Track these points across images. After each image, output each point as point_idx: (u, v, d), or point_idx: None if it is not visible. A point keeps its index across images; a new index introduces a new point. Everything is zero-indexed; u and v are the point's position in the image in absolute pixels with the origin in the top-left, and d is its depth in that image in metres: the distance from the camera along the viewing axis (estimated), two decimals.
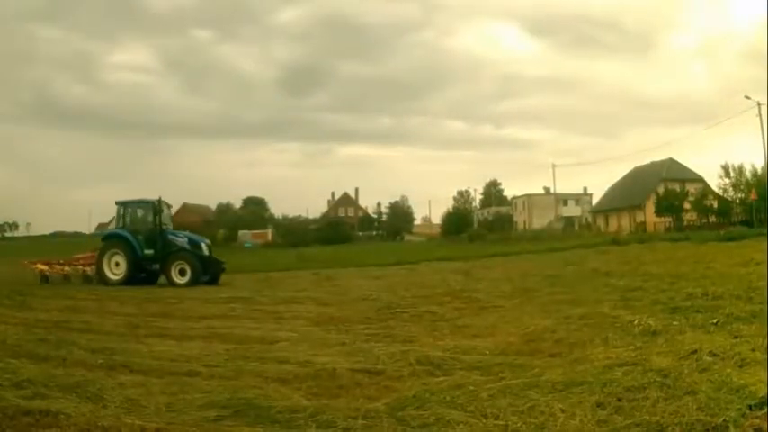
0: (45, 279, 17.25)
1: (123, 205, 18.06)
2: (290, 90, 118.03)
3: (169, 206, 18.84)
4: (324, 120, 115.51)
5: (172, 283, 16.10)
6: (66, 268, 17.99)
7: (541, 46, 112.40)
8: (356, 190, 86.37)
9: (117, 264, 16.99)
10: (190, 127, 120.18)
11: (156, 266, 17.06)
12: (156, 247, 17.07)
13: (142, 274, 17.25)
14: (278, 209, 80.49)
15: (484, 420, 3.58)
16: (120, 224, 17.96)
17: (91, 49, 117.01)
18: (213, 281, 16.85)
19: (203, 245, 17.48)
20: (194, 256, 16.73)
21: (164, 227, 17.52)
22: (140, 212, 17.88)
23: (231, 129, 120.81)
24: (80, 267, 18.01)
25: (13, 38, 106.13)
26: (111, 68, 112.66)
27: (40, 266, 17.82)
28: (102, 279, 16.77)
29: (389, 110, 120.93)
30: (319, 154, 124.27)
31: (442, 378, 4.58)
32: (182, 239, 17.37)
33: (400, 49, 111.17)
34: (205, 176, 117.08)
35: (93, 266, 17.50)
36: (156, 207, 17.56)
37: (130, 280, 16.54)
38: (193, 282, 16.07)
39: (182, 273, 16.35)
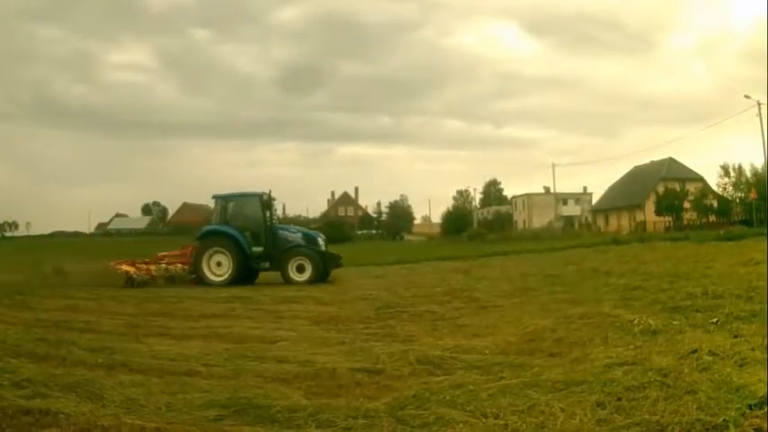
0: (131, 281, 15.10)
1: (224, 199, 16.60)
2: (290, 90, 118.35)
3: (274, 199, 17.26)
4: (323, 119, 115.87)
5: (288, 281, 15.09)
6: (152, 268, 16.26)
7: (541, 45, 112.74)
8: (356, 189, 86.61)
9: (219, 263, 15.64)
10: (189, 127, 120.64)
11: (266, 265, 15.88)
12: (265, 244, 15.83)
13: (247, 273, 15.95)
14: (279, 208, 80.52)
15: (484, 420, 3.58)
16: (220, 220, 16.45)
17: (90, 48, 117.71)
18: (326, 276, 15.74)
19: (320, 239, 16.46)
20: (313, 252, 15.75)
21: (273, 222, 16.44)
22: (245, 207, 16.52)
23: (231, 128, 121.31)
24: (171, 267, 16.46)
25: (12, 37, 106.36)
26: (110, 68, 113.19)
27: (125, 267, 16.00)
28: (202, 280, 15.36)
29: (389, 109, 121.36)
30: (319, 153, 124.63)
31: (441, 377, 4.58)
32: (294, 234, 16.40)
33: (399, 48, 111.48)
34: (205, 176, 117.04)
35: (178, 266, 16.31)
36: (265, 201, 16.29)
37: (236, 280, 15.22)
38: (315, 279, 15.06)
39: (300, 270, 15.34)
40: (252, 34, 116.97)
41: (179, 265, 16.51)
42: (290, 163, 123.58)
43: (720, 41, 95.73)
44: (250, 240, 15.82)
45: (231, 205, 16.56)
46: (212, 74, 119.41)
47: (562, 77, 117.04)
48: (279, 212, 18.38)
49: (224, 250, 15.65)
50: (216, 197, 16.74)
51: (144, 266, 16.29)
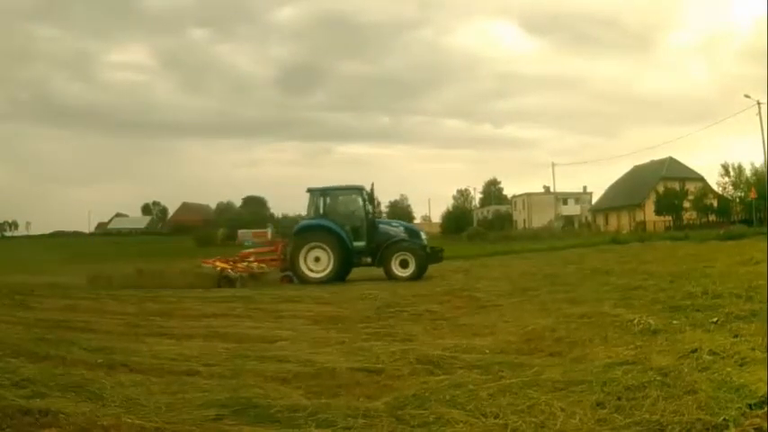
0: (227, 281, 14.48)
1: (321, 193, 15.95)
2: (289, 89, 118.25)
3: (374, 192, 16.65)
4: (322, 119, 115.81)
5: (392, 277, 14.63)
6: (240, 266, 15.61)
7: (540, 44, 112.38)
8: None
9: (317, 259, 15.07)
10: (189, 126, 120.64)
11: (368, 260, 15.38)
12: (367, 239, 15.31)
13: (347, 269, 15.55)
14: (278, 208, 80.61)
15: (483, 419, 3.58)
16: (315, 214, 15.79)
17: (89, 48, 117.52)
18: (423, 270, 15.23)
19: (422, 233, 16.13)
20: (417, 247, 15.26)
21: (374, 215, 15.99)
22: (345, 200, 16.03)
23: (230, 128, 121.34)
24: (256, 265, 15.89)
25: (10, 36, 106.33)
26: (109, 67, 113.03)
27: (220, 265, 15.42)
28: (300, 277, 14.95)
29: (388, 108, 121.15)
30: (318, 153, 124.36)
31: (441, 377, 4.58)
32: (396, 228, 15.89)
33: (398, 47, 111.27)
34: (205, 175, 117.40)
35: (262, 264, 15.86)
36: (367, 194, 15.75)
37: (338, 277, 14.88)
38: (418, 274, 14.66)
39: (404, 265, 14.87)
40: (251, 34, 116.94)
41: (261, 264, 16.01)
42: (289, 162, 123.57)
43: (720, 40, 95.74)
44: (351, 235, 15.36)
45: (329, 199, 15.98)
46: (211, 73, 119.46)
47: (562, 77, 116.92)
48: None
49: (324, 246, 15.07)
50: (311, 190, 16.03)
51: (241, 265, 15.73)
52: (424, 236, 15.98)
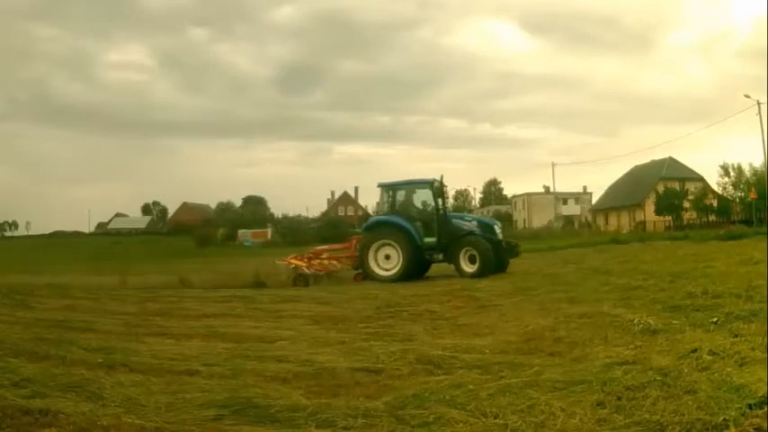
0: (302, 279, 14.14)
1: (391, 188, 15.45)
2: (287, 88, 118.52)
3: (445, 186, 15.75)
4: (321, 118, 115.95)
5: (462, 274, 13.86)
6: (314, 263, 15.15)
7: (539, 44, 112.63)
8: (356, 189, 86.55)
9: (387, 256, 14.50)
10: (188, 126, 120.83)
11: (440, 257, 14.66)
12: (438, 234, 14.56)
13: (419, 266, 14.82)
14: (278, 208, 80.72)
15: (483, 419, 3.58)
16: (386, 210, 15.35)
17: (88, 47, 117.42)
18: (502, 267, 14.38)
19: (496, 227, 15.11)
20: (485, 241, 14.24)
21: (446, 210, 15.21)
22: (416, 195, 15.35)
23: (229, 127, 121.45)
24: (329, 262, 15.49)
25: (10, 36, 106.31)
26: (108, 67, 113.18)
27: (294, 262, 14.96)
28: (369, 275, 14.42)
29: (387, 108, 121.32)
30: (317, 152, 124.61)
31: (441, 377, 4.58)
32: (469, 223, 15.06)
33: (397, 46, 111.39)
34: (204, 175, 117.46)
35: (333, 261, 15.46)
36: (437, 188, 14.99)
37: (409, 275, 14.11)
38: (484, 270, 13.63)
39: (472, 260, 13.98)
40: (249, 33, 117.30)
41: (333, 261, 15.70)
42: (288, 162, 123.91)
43: (720, 39, 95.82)
44: (421, 231, 14.67)
45: (400, 194, 15.39)
46: (210, 73, 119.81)
47: (561, 76, 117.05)
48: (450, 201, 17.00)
49: (393, 242, 14.52)
50: (382, 185, 15.66)
51: (317, 263, 15.36)
52: (497, 229, 15.01)
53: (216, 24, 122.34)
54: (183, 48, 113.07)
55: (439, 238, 14.57)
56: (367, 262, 14.60)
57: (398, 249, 14.42)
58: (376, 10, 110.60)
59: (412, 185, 15.58)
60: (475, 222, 15.14)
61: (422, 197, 15.29)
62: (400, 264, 14.36)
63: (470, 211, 78.74)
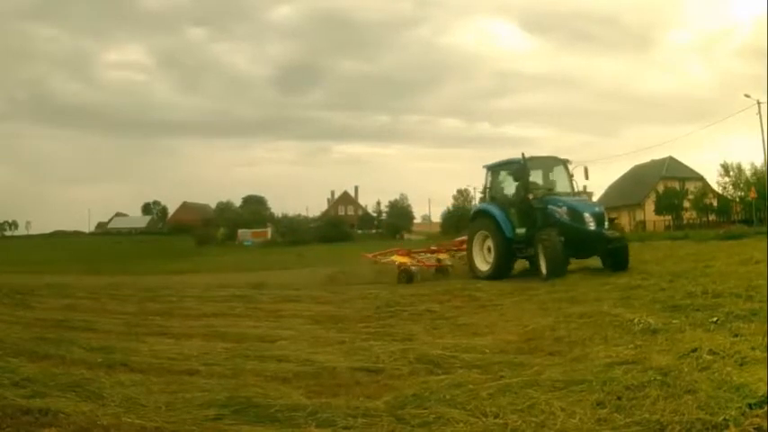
0: (407, 276, 12.88)
1: (489, 169, 13.40)
2: (286, 88, 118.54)
3: (565, 162, 13.21)
4: (320, 117, 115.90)
5: (539, 275, 11.41)
6: (422, 258, 13.85)
7: (539, 43, 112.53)
8: (356, 188, 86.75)
9: (489, 249, 12.73)
10: (187, 125, 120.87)
11: (531, 251, 12.16)
12: (528, 224, 12.21)
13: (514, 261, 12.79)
14: (278, 207, 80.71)
15: (483, 419, 3.58)
16: (489, 196, 13.37)
17: (87, 47, 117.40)
18: (616, 265, 11.57)
19: (587, 214, 11.72)
20: (559, 233, 11.38)
21: (546, 193, 12.37)
22: (509, 176, 13.02)
23: (228, 127, 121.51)
24: (443, 256, 14.13)
25: (8, 36, 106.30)
26: (106, 67, 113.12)
27: (398, 259, 13.58)
28: (472, 270, 12.89)
29: (386, 107, 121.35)
30: (316, 152, 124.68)
31: (441, 376, 4.58)
32: (561, 209, 11.82)
33: (395, 46, 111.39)
34: (204, 175, 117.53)
35: (443, 255, 14.16)
36: (522, 167, 12.45)
37: (499, 272, 12.22)
38: (549, 272, 10.95)
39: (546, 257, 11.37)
40: (247, 32, 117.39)
41: (443, 256, 14.40)
42: (288, 161, 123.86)
43: (720, 39, 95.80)
44: (514, 219, 12.43)
45: (495, 176, 13.41)
46: (209, 72, 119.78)
47: (560, 75, 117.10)
48: (579, 181, 13.33)
49: (489, 234, 12.69)
50: (487, 167, 13.54)
51: (425, 259, 14.17)
52: (589, 217, 11.72)
53: (214, 24, 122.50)
54: (182, 47, 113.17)
55: (528, 228, 12.18)
56: (471, 255, 13.06)
57: (492, 242, 12.64)
58: (374, 9, 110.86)
59: (504, 165, 13.31)
60: (565, 208, 11.87)
61: (512, 179, 12.90)
62: (493, 258, 12.59)
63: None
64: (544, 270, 11.27)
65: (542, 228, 11.82)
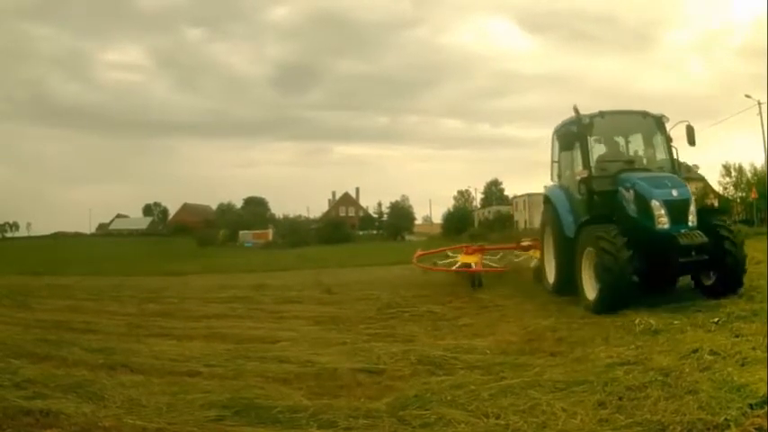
0: (476, 281, 10.78)
1: (559, 133, 9.55)
2: (285, 88, 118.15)
3: (659, 120, 8.84)
4: (319, 118, 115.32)
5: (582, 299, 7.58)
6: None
7: (538, 42, 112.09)
8: (357, 190, 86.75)
9: None
10: (187, 126, 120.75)
11: None
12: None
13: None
14: (279, 208, 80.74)
15: (485, 420, 3.58)
16: (556, 173, 9.78)
17: (85, 47, 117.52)
18: (717, 287, 7.34)
19: (655, 202, 7.39)
20: (614, 239, 7.12)
21: (621, 168, 8.28)
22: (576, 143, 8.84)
23: (227, 127, 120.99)
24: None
25: (7, 36, 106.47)
26: (105, 67, 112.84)
27: (467, 259, 11.19)
28: (539, 280, 9.79)
29: (385, 108, 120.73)
30: (316, 153, 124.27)
31: (443, 377, 4.58)
32: (628, 192, 7.80)
33: (394, 46, 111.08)
34: (205, 176, 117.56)
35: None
36: (581, 127, 8.58)
37: (560, 286, 8.58)
38: (607, 299, 6.91)
39: (596, 277, 7.24)
40: (245, 32, 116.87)
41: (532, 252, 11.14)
42: (287, 162, 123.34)
43: (720, 38, 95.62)
44: (580, 209, 8.62)
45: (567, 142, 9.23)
46: (207, 73, 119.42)
47: (560, 75, 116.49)
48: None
49: (551, 229, 9.23)
50: (556, 130, 9.83)
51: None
52: (658, 206, 7.38)
53: (212, 24, 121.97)
54: (180, 48, 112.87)
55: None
56: (541, 259, 9.79)
57: (551, 241, 9.22)
58: (373, 9, 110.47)
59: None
60: (632, 191, 7.75)
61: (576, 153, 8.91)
62: (554, 264, 9.08)
63: (473, 212, 78.55)
64: (591, 294, 7.35)
65: (602, 223, 7.68)
